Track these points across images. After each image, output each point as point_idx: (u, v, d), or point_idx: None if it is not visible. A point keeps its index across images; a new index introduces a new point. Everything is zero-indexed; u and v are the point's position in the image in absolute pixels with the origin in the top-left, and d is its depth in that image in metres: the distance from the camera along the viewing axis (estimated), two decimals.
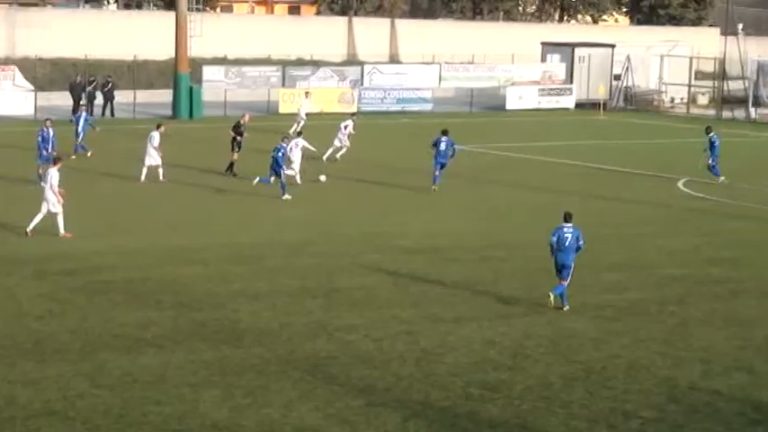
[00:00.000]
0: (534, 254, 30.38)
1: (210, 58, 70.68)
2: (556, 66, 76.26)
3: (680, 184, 43.61)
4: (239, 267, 28.18)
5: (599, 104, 71.23)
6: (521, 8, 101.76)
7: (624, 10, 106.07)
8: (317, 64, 71.82)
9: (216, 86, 64.93)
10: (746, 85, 74.90)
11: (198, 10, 63.20)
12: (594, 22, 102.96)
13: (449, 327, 23.35)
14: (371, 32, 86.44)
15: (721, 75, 76.52)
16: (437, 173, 40.24)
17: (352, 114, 51.45)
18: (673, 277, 28.19)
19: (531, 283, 27.03)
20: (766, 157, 51.14)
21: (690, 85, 77.46)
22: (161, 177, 40.19)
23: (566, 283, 25.03)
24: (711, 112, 73.49)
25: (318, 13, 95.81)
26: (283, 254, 29.89)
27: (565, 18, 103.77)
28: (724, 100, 74.10)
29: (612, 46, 77.94)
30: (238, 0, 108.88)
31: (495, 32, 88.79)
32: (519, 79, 74.24)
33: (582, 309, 24.84)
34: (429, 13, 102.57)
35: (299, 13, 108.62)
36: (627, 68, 77.39)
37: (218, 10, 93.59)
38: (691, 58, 77.49)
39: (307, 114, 54.55)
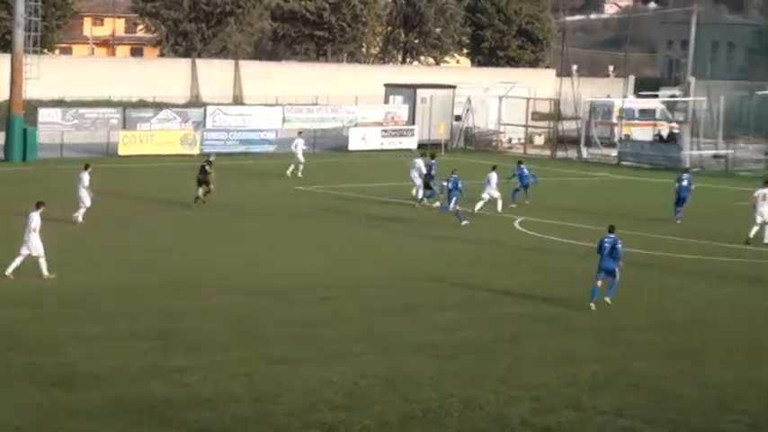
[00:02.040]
0: (374, 293, 30.59)
1: (48, 100, 69.60)
2: (398, 107, 76.77)
3: (516, 224, 44.13)
4: (72, 310, 27.68)
5: (440, 145, 71.81)
6: (364, 50, 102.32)
7: (465, 51, 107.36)
8: (159, 106, 71.28)
9: (52, 128, 63.93)
10: (579, 125, 76.52)
11: (35, 52, 62.09)
12: (437, 63, 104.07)
13: (286, 368, 23.24)
14: (215, 74, 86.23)
15: (556, 115, 77.90)
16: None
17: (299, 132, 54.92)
18: (508, 315, 28.45)
19: (370, 323, 27.13)
20: (598, 196, 51.90)
21: (527, 126, 78.69)
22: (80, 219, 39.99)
23: (617, 281, 29.20)
24: (547, 152, 74.68)
25: (162, 54, 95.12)
26: (117, 296, 29.42)
27: (408, 59, 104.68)
28: (559, 140, 75.39)
29: (454, 87, 78.81)
30: (78, 42, 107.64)
31: (338, 74, 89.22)
32: (362, 120, 74.61)
33: (419, 348, 24.94)
34: (273, 55, 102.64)
35: (141, 54, 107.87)
36: (467, 109, 78.34)
37: (57, 52, 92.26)
38: (528, 99, 78.73)
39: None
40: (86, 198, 40.44)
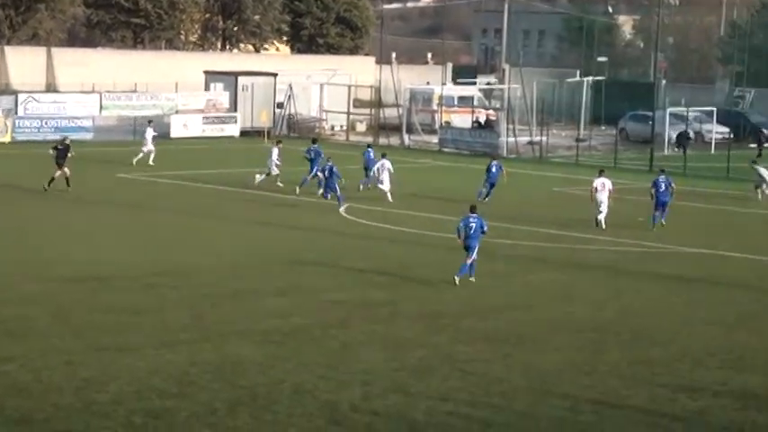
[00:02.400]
0: (201, 280, 30.45)
1: None
2: (220, 94, 76.50)
3: (341, 210, 44.35)
4: None
5: (263, 132, 71.73)
6: (183, 37, 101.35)
7: (285, 39, 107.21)
8: None
9: None
10: (400, 112, 77.16)
11: None
12: (256, 50, 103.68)
13: (112, 356, 23.00)
14: (26, 61, 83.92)
15: (377, 102, 78.40)
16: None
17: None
18: (335, 301, 28.57)
19: (198, 310, 27.04)
20: (421, 182, 52.45)
21: (349, 113, 79.07)
22: None
23: (469, 261, 30.73)
24: (369, 138, 74.95)
25: None
26: None
27: (227, 47, 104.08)
28: (380, 127, 75.90)
29: (275, 74, 78.72)
30: None
31: (157, 61, 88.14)
32: (183, 108, 74.13)
33: (248, 334, 24.95)
34: (88, 42, 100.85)
35: None
36: (289, 96, 78.38)
37: None
38: (349, 87, 79.11)
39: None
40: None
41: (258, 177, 49.66)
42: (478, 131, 73.41)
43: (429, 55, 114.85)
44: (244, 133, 73.69)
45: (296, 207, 45.31)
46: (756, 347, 25.10)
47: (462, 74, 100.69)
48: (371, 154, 50.72)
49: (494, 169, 47.17)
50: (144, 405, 20.01)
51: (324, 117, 79.49)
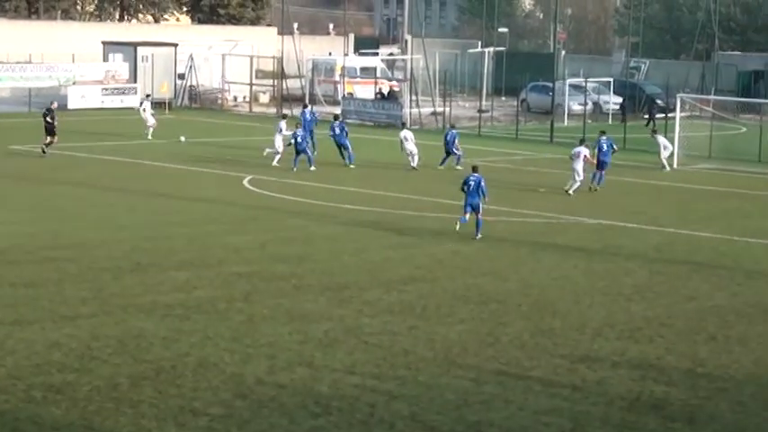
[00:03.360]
0: (101, 253, 30.23)
1: None
2: (119, 65, 75.98)
3: (245, 182, 44.26)
4: None
5: (164, 103, 71.26)
6: (79, 7, 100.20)
7: (185, 9, 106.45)
8: None
9: None
10: (303, 83, 77.11)
11: None
12: (156, 21, 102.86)
13: (8, 330, 22.76)
14: None
15: (280, 73, 78.21)
16: None
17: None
18: (240, 274, 28.51)
19: (99, 284, 26.86)
20: (324, 153, 52.31)
21: (251, 84, 78.84)
22: None
23: (480, 217, 34.04)
24: (273, 110, 75.01)
25: None
26: None
27: (126, 17, 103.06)
28: (283, 98, 75.74)
29: (175, 45, 78.28)
30: None
31: (53, 32, 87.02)
32: (81, 79, 73.56)
33: (151, 308, 24.81)
34: None
35: None
36: (190, 67, 78.06)
37: None
38: (251, 57, 78.85)
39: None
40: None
41: (270, 151, 49.74)
42: (381, 102, 73.52)
43: (331, 26, 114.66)
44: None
45: (196, 178, 45.07)
46: (652, 318, 25.43)
47: (365, 45, 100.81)
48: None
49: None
50: (44, 379, 19.83)
51: (226, 88, 79.16)
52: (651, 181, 49.17)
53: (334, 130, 50.12)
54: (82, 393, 19.23)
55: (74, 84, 72.61)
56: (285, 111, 63.91)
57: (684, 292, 28.18)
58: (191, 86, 78.02)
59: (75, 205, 38.35)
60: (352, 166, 48.99)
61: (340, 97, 74.77)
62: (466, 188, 34.33)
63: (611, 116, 74.23)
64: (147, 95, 59.66)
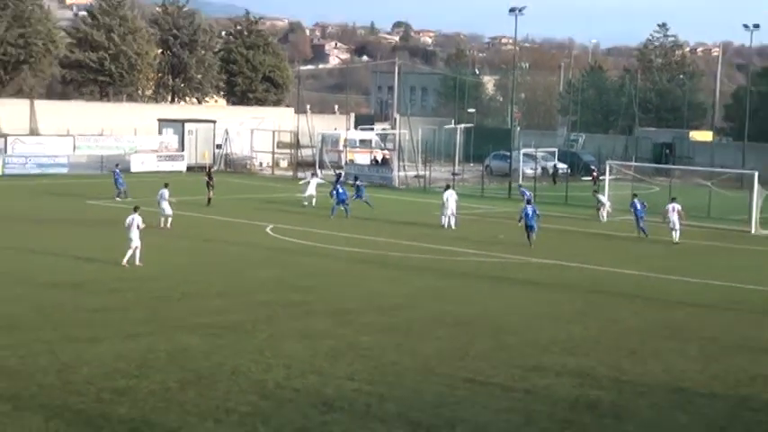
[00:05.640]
0: (156, 285, 30.24)
1: None
2: (170, 137, 76.23)
3: (268, 230, 44.31)
4: None
5: (205, 167, 71.33)
6: (140, 92, 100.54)
7: (222, 93, 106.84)
8: None
9: None
10: (314, 152, 77.45)
11: None
12: (199, 102, 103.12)
13: (85, 345, 22.79)
14: (13, 111, 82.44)
15: (296, 144, 78.53)
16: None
17: None
18: (263, 302, 28.52)
19: (154, 309, 26.88)
20: (330, 207, 52.45)
21: (273, 152, 79.02)
22: None
23: (534, 236, 40.31)
24: (290, 173, 75.19)
25: None
26: None
27: (176, 100, 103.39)
28: (298, 163, 75.97)
29: (214, 122, 78.52)
30: None
31: (119, 111, 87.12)
32: (141, 148, 73.83)
33: (194, 328, 24.80)
34: (63, 95, 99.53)
35: None
36: (226, 139, 78.31)
37: None
38: (273, 132, 79.09)
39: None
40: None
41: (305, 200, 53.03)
42: (376, 167, 73.84)
43: (336, 106, 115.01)
44: (189, 168, 73.32)
45: (230, 226, 45.12)
46: (587, 337, 25.47)
47: (363, 121, 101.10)
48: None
49: (529, 212, 42.04)
50: (111, 384, 19.83)
51: (254, 156, 79.39)
52: (587, 229, 49.29)
53: (337, 190, 50.15)
54: (140, 395, 19.24)
55: (135, 152, 72.81)
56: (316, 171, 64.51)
57: (613, 317, 28.22)
58: (226, 154, 78.18)
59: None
60: (349, 216, 49.04)
61: (343, 163, 74.97)
62: (524, 215, 40.84)
63: (556, 179, 74.42)
64: (166, 184, 45.48)
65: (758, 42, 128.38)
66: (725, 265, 38.81)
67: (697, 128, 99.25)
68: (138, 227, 33.56)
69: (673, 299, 31.24)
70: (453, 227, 46.54)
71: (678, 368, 22.45)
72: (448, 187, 49.57)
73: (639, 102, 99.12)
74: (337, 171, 64.38)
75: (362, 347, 23.52)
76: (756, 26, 76.63)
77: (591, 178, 71.32)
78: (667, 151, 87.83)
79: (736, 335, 26.18)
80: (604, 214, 51.84)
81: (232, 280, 32.04)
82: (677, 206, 45.40)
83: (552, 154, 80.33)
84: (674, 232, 44.83)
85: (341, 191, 50.11)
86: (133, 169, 70.02)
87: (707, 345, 24.88)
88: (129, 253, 33.33)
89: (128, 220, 33.86)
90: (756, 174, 50.78)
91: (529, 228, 41.61)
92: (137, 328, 24.67)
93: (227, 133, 78.32)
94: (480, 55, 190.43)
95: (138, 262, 33.28)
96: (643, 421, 18.64)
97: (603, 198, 52.50)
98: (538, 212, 42.82)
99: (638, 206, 46.45)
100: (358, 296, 30.05)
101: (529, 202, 44.19)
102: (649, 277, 35.27)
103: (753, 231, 48.63)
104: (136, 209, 34.43)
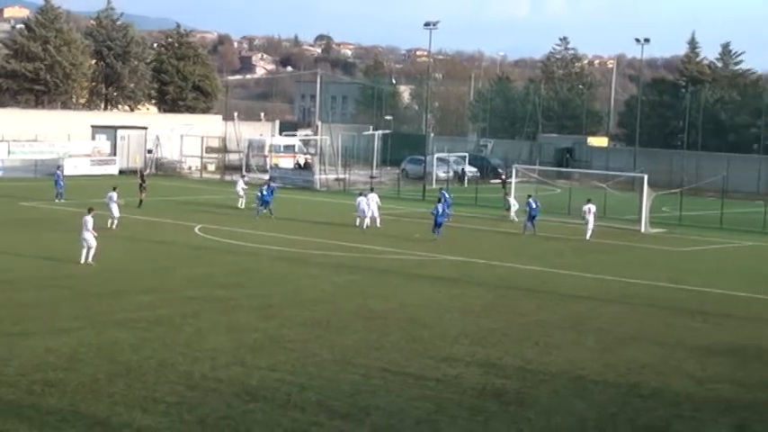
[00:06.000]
0: (86, 281, 29.69)
1: None
2: (103, 143, 75.14)
3: (196, 229, 43.83)
4: None
5: (137, 170, 70.51)
6: (74, 100, 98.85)
7: (154, 101, 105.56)
8: None
9: None
10: (241, 156, 77.04)
11: None
12: (132, 110, 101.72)
13: (16, 339, 22.29)
14: None
15: (223, 149, 78.01)
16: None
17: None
18: (191, 297, 28.20)
19: (85, 304, 26.40)
20: (255, 208, 52.10)
21: (202, 157, 78.31)
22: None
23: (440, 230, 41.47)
24: (217, 176, 74.65)
25: None
26: None
27: (109, 107, 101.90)
28: (226, 167, 75.44)
29: (145, 128, 77.62)
30: None
31: (54, 117, 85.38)
32: (74, 153, 72.70)
33: (123, 322, 24.42)
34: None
35: None
36: (157, 144, 77.49)
37: None
38: (202, 137, 78.39)
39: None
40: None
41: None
42: (299, 171, 73.61)
43: (262, 114, 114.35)
44: (122, 172, 72.34)
45: (158, 226, 44.55)
46: (495, 329, 25.59)
47: (287, 128, 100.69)
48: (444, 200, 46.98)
49: (440, 209, 43.67)
50: (41, 376, 19.40)
51: (183, 160, 78.62)
52: (496, 228, 49.62)
53: (262, 192, 49.97)
54: (70, 387, 18.85)
55: (69, 156, 71.65)
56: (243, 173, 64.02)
57: (518, 310, 28.41)
58: (157, 158, 77.34)
59: (69, 247, 37.58)
60: (273, 217, 48.75)
61: (268, 167, 74.58)
62: (435, 212, 41.86)
63: (466, 181, 74.87)
64: (114, 188, 44.24)
65: (648, 55, 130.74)
66: (618, 262, 39.34)
67: (594, 134, 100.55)
68: (90, 227, 33.04)
69: (572, 293, 31.55)
70: (378, 226, 46.57)
71: (577, 358, 22.65)
72: (371, 190, 49.71)
73: (543, 110, 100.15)
74: (266, 176, 63.99)
75: (285, 340, 23.34)
76: (647, 40, 77.85)
77: (499, 181, 71.82)
78: (568, 156, 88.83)
79: (628, 327, 26.51)
80: (513, 214, 52.25)
81: (161, 277, 31.60)
82: (593, 207, 46.40)
83: (463, 158, 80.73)
84: (588, 232, 45.47)
85: (265, 193, 49.87)
86: (67, 172, 68.51)
87: (602, 336, 25.15)
88: (84, 252, 32.76)
89: (82, 221, 33.37)
90: (646, 177, 51.59)
91: (438, 224, 43.36)
92: (68, 323, 24.21)
93: (158, 139, 77.52)
94: (397, 66, 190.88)
95: (89, 261, 32.69)
96: (544, 408, 18.75)
97: (512, 200, 52.94)
98: (449, 211, 44.48)
99: (533, 205, 47.30)
100: (281, 292, 29.83)
101: (439, 201, 45.50)
102: (551, 273, 35.59)
103: (642, 230, 49.39)
104: (90, 210, 33.94)
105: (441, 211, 43.77)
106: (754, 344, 24.71)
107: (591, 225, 45.81)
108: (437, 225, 43.52)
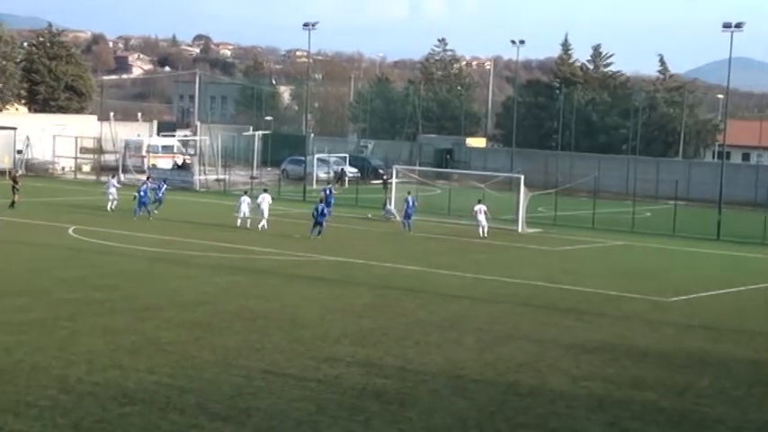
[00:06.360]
0: None
1: None
2: None
3: (71, 231, 42.85)
4: None
5: (5, 171, 68.66)
6: None
7: (23, 102, 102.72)
8: None
9: None
10: (118, 157, 75.84)
11: None
12: None
13: None
14: None
15: (99, 150, 76.59)
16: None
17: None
18: (65, 300, 27.56)
19: None
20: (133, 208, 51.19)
21: (76, 157, 76.68)
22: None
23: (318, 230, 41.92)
24: (93, 177, 73.18)
25: None
26: None
27: None
28: (101, 168, 74.02)
29: (14, 128, 75.88)
30: None
31: None
32: None
33: None
34: None
35: None
36: (27, 145, 75.75)
37: None
38: (76, 138, 76.76)
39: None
40: None
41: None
42: (178, 171, 72.66)
43: (139, 114, 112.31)
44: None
45: (25, 228, 43.40)
46: (375, 329, 25.67)
47: (165, 128, 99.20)
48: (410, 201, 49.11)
49: (320, 209, 44.49)
50: None
51: (56, 161, 76.91)
52: (376, 229, 49.83)
53: (140, 192, 49.21)
54: None
55: None
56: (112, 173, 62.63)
57: (398, 310, 28.57)
58: (27, 159, 75.53)
59: None
60: (152, 217, 48.00)
61: (146, 167, 73.37)
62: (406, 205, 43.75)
63: (347, 181, 75.02)
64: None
65: (524, 57, 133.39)
66: (496, 262, 39.94)
67: (473, 135, 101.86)
68: None
69: (451, 293, 31.88)
70: (266, 227, 46.18)
71: (457, 357, 22.88)
72: (264, 191, 49.37)
73: (422, 111, 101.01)
74: (146, 176, 63.00)
75: (163, 342, 23.01)
76: (522, 42, 79.19)
77: (381, 181, 72.15)
78: (447, 156, 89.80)
79: (506, 325, 26.92)
80: (394, 213, 52.59)
81: (35, 279, 30.81)
82: (483, 207, 47.24)
83: (344, 159, 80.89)
84: (480, 229, 46.64)
85: (142, 194, 49.11)
86: None
87: (481, 335, 25.47)
88: None
89: None
90: (522, 177, 52.55)
91: (318, 223, 43.79)
92: None
93: (29, 139, 75.72)
94: (277, 66, 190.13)
95: None
96: (424, 407, 18.88)
97: (392, 208, 53.17)
98: (328, 210, 45.24)
99: (410, 202, 48.04)
100: (159, 294, 29.38)
101: (322, 201, 46.06)
102: (431, 273, 35.91)
103: (519, 230, 50.27)
104: None
105: (321, 210, 44.16)
106: (624, 342, 25.37)
107: (484, 223, 46.75)
108: (317, 224, 43.82)
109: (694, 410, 19.23)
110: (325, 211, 45.50)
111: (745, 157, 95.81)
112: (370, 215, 44.77)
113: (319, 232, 43.72)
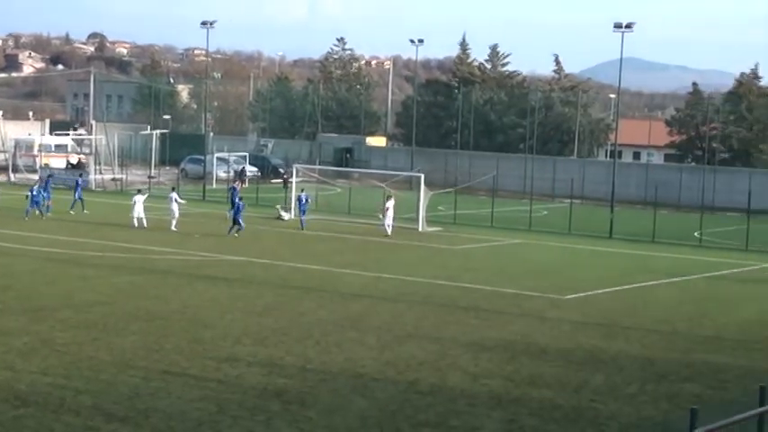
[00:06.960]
0: None
1: None
2: None
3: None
4: None
5: None
6: None
7: None
8: None
9: None
10: (7, 157, 74.42)
11: None
12: None
13: None
14: None
15: None
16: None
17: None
18: None
19: None
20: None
21: None
22: None
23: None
24: None
25: None
26: None
27: None
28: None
29: None
30: None
31: None
32: None
33: None
34: None
35: None
36: None
37: None
38: None
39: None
40: None
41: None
42: (72, 170, 71.27)
43: (31, 113, 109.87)
44: None
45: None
46: (277, 329, 25.55)
47: (58, 127, 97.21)
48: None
49: (239, 206, 45.63)
50: None
51: None
52: (276, 228, 49.62)
53: (32, 191, 48.34)
54: None
55: None
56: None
57: (299, 310, 28.48)
58: None
59: None
60: (46, 217, 47.04)
61: (38, 167, 71.83)
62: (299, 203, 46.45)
63: (248, 180, 74.55)
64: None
65: (423, 56, 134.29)
66: (396, 260, 40.11)
67: (373, 134, 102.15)
68: None
69: (352, 292, 31.91)
70: (174, 228, 45.67)
71: (357, 356, 22.89)
72: (173, 190, 49.09)
73: (322, 110, 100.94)
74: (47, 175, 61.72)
75: (58, 343, 22.56)
76: (421, 41, 79.66)
77: (281, 180, 71.85)
78: (347, 156, 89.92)
79: (406, 324, 27.04)
80: (285, 215, 52.59)
81: None
82: (392, 202, 48.27)
83: (244, 158, 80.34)
84: (387, 228, 47.43)
85: (34, 193, 48.13)
86: None
87: (382, 334, 25.53)
88: None
89: None
90: (422, 176, 52.93)
91: (235, 221, 44.58)
92: None
93: None
94: (174, 65, 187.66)
95: None
96: (325, 406, 18.84)
97: (285, 215, 53.04)
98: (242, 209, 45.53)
99: (303, 200, 48.58)
100: (53, 294, 28.81)
101: (238, 199, 46.73)
102: (332, 272, 35.90)
103: (420, 229, 50.60)
104: None
105: (240, 207, 45.04)
106: (522, 339, 25.70)
107: (390, 221, 47.40)
108: (235, 222, 44.52)
109: (589, 407, 19.56)
110: (240, 206, 45.55)
111: (636, 155, 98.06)
112: (197, 235, 43.91)
113: (238, 230, 43.89)
